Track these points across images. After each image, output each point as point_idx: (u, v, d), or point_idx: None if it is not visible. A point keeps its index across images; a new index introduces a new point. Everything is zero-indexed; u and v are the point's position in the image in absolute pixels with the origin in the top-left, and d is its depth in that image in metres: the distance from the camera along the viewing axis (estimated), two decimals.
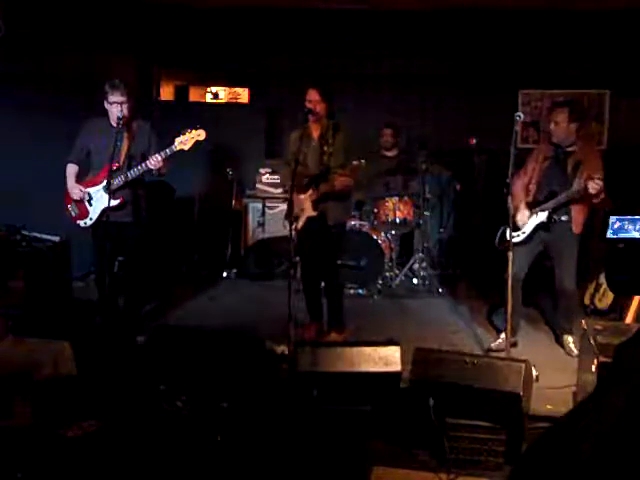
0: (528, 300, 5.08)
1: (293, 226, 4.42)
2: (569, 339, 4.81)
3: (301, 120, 4.80)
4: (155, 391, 3.75)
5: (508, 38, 7.10)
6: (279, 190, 7.13)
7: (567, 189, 4.50)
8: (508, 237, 4.65)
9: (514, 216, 4.65)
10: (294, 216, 4.50)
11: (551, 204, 4.56)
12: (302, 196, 4.70)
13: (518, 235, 4.70)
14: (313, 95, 4.62)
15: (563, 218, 4.59)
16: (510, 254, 4.23)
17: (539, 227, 4.63)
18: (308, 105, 4.61)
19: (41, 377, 3.55)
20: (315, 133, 4.74)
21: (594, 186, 4.29)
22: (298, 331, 4.70)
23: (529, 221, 4.68)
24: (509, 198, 4.29)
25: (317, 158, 4.70)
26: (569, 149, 4.62)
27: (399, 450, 3.50)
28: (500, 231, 4.83)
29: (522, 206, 4.71)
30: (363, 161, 4.67)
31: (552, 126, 4.58)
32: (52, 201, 5.22)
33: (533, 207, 4.67)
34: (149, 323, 5.09)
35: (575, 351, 4.63)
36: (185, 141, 4.59)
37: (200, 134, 4.62)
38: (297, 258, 5.34)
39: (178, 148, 4.60)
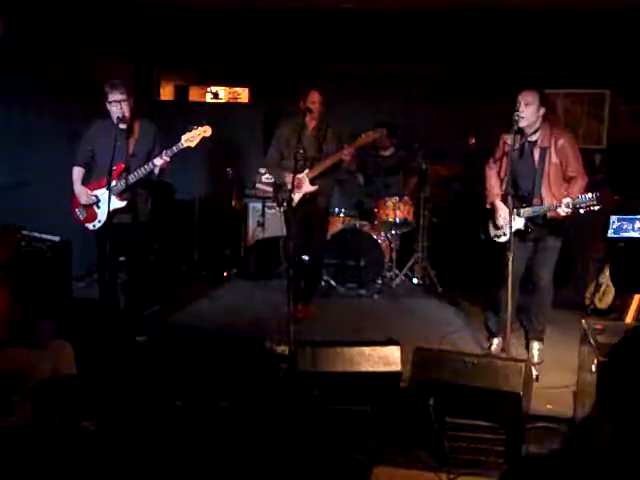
0: None
1: (284, 205, 5.29)
2: (535, 345, 4.73)
3: (297, 116, 5.30)
4: (155, 391, 3.75)
5: (508, 38, 7.09)
6: (275, 176, 7.10)
7: (532, 187, 4.45)
8: (491, 232, 4.68)
9: (495, 215, 4.59)
10: (286, 197, 5.14)
11: (525, 213, 4.43)
12: (298, 175, 5.12)
13: (499, 236, 4.62)
14: (317, 97, 5.33)
15: (539, 222, 4.49)
16: (510, 254, 4.22)
17: (517, 233, 4.42)
18: (310, 105, 5.29)
19: (41, 377, 3.55)
20: (310, 125, 5.40)
21: (564, 211, 4.22)
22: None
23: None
24: (509, 198, 4.29)
25: (314, 144, 5.38)
26: (533, 138, 4.49)
27: (399, 450, 3.50)
28: (482, 221, 4.77)
29: (500, 205, 4.56)
30: (378, 131, 5.48)
31: (522, 107, 4.38)
32: (52, 201, 5.22)
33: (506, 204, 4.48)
34: (149, 323, 5.09)
35: (536, 359, 4.60)
36: (192, 138, 4.60)
37: (206, 130, 4.64)
38: (304, 257, 5.55)
39: (185, 145, 4.61)
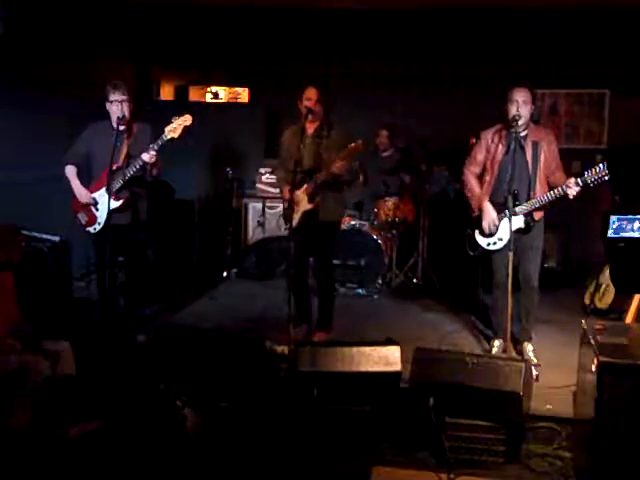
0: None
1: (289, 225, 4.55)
2: (529, 347, 4.69)
3: (299, 120, 4.81)
4: (155, 391, 3.75)
5: (509, 38, 7.10)
6: (278, 190, 7.13)
7: (528, 181, 4.41)
8: (482, 243, 4.61)
9: (482, 220, 4.53)
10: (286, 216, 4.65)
11: (526, 208, 4.37)
12: (297, 192, 4.70)
13: (495, 242, 4.54)
14: (313, 94, 4.67)
15: (537, 218, 4.46)
16: (511, 254, 4.20)
17: (517, 232, 4.32)
18: (307, 104, 4.66)
19: (41, 377, 3.55)
20: (310, 129, 4.78)
21: (575, 190, 4.18)
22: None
23: (501, 225, 4.47)
24: (509, 198, 4.27)
25: (313, 152, 4.74)
26: (523, 133, 4.45)
27: (399, 450, 3.50)
28: (467, 235, 4.69)
29: (489, 209, 4.51)
30: (360, 141, 4.47)
31: (521, 105, 4.33)
32: (52, 201, 5.21)
33: (499, 209, 4.47)
34: (149, 323, 5.08)
35: (535, 360, 4.53)
36: (174, 129, 4.59)
37: (186, 119, 4.62)
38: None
39: (169, 137, 4.60)
